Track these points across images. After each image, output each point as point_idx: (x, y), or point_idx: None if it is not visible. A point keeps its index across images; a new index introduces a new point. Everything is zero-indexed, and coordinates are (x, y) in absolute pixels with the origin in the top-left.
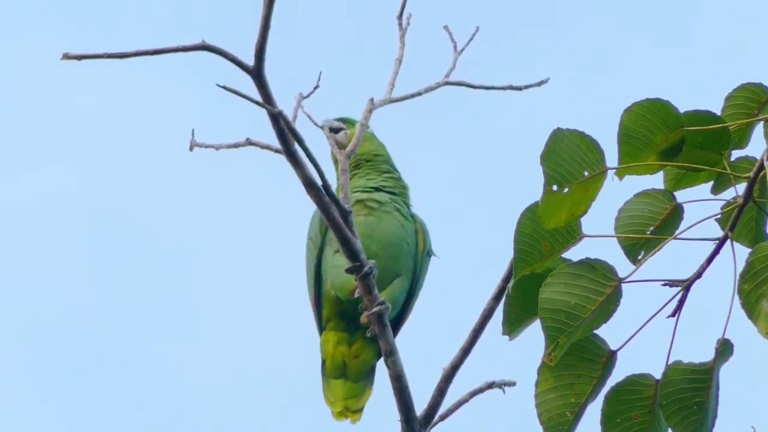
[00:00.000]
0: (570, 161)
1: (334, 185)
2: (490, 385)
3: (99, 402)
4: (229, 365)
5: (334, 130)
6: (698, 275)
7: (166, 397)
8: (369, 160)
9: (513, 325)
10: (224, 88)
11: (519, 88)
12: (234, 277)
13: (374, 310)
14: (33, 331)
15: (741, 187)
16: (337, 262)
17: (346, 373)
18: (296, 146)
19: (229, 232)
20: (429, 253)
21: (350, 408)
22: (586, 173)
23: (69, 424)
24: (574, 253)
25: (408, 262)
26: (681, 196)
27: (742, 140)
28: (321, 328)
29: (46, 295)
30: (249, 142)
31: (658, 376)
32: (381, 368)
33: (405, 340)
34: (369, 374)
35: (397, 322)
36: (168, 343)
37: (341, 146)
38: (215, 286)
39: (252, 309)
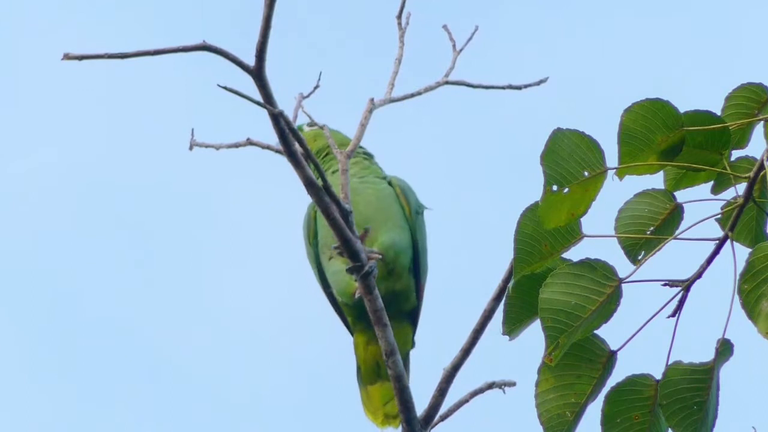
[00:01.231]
0: (570, 161)
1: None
2: (491, 386)
3: (91, 388)
4: (228, 366)
5: None
6: (698, 275)
7: (160, 393)
8: (328, 153)
9: (513, 326)
10: (225, 88)
11: (518, 88)
12: (231, 276)
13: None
14: (29, 318)
15: (741, 187)
16: (334, 268)
17: (381, 373)
18: (297, 146)
19: (227, 232)
20: (419, 211)
21: (390, 414)
22: (586, 173)
23: (56, 404)
24: (574, 253)
25: (399, 222)
26: (681, 196)
27: (742, 140)
28: (351, 333)
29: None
30: (249, 142)
31: (658, 376)
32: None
33: None
34: (405, 365)
35: (416, 290)
36: (164, 346)
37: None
38: (213, 286)
39: (250, 308)
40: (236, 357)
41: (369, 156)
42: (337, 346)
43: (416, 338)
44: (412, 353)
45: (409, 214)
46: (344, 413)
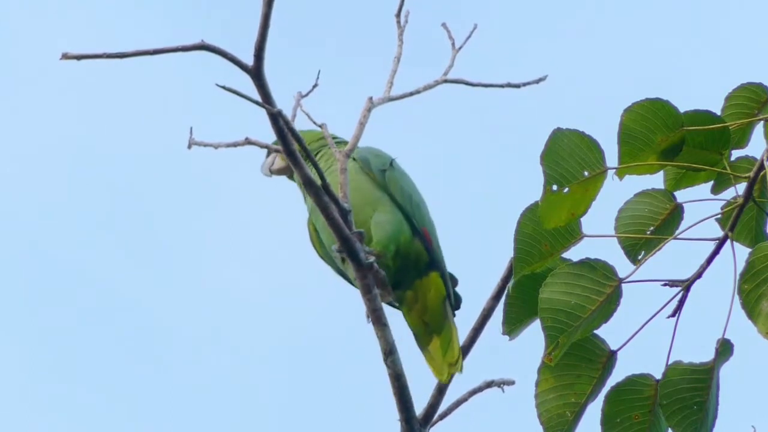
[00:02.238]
0: (570, 161)
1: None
2: (489, 384)
3: (89, 364)
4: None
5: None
6: (698, 275)
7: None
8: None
9: (513, 325)
10: (223, 87)
11: (517, 86)
12: (230, 276)
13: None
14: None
15: (741, 187)
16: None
17: (431, 329)
18: (295, 146)
19: (227, 231)
20: (384, 169)
21: (452, 362)
22: (586, 173)
23: (53, 382)
24: (574, 253)
25: (375, 194)
26: (681, 196)
27: (742, 140)
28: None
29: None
30: (248, 142)
31: (658, 376)
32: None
33: (405, 340)
34: (444, 311)
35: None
36: (163, 329)
37: (275, 171)
38: (212, 286)
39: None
40: (234, 340)
41: (341, 141)
42: (334, 334)
43: (413, 339)
44: (411, 351)
45: (376, 177)
46: (342, 397)
